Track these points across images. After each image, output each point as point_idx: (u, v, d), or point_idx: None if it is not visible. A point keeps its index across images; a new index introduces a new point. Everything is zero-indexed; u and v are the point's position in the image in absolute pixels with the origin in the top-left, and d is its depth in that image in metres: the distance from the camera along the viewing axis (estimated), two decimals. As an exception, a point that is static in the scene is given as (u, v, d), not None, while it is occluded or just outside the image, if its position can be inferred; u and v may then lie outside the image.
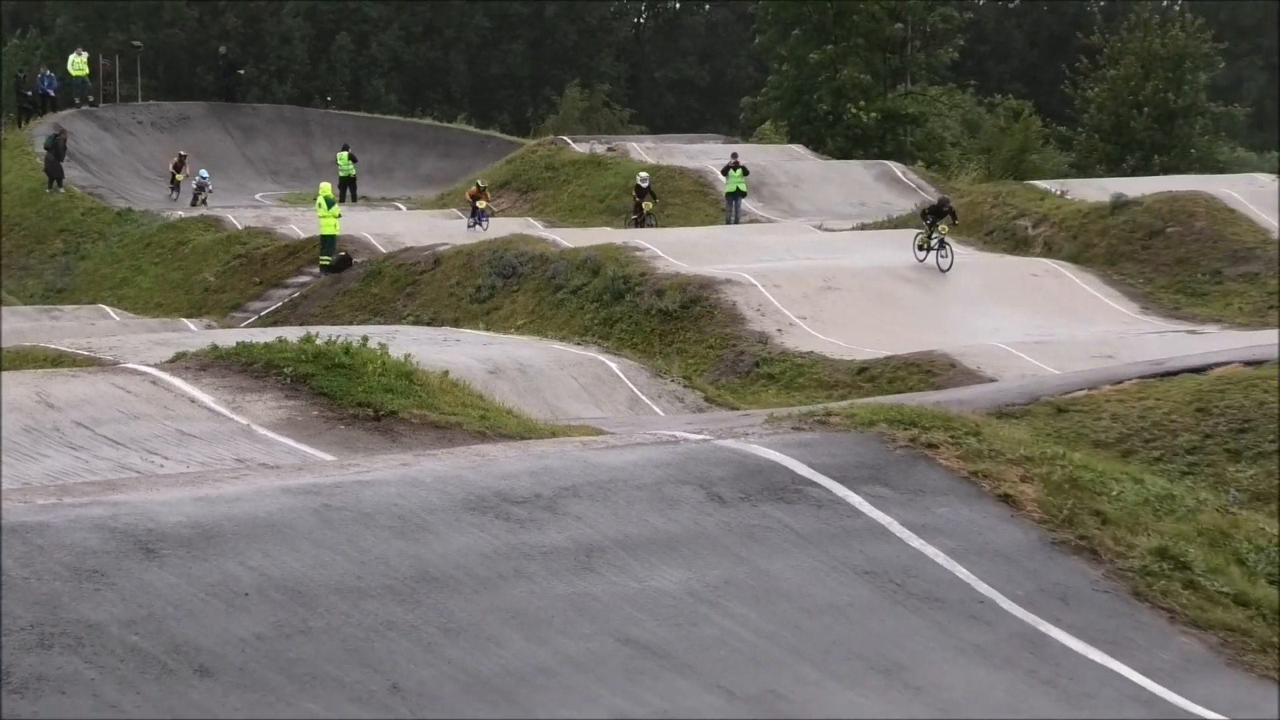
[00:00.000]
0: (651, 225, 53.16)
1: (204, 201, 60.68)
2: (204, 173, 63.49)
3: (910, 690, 10.06)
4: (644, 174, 55.63)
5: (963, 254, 45.90)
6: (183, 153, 64.42)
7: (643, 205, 54.02)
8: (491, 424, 16.99)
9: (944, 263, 41.64)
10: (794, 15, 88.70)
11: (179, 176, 62.57)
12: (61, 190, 59.75)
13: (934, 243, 42.34)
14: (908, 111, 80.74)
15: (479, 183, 57.17)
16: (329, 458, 15.24)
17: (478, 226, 53.87)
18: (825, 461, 12.62)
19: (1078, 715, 10.04)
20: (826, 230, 52.26)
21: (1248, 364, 17.64)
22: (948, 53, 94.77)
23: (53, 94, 70.36)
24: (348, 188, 62.15)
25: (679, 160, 63.80)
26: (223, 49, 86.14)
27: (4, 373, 21.44)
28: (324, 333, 20.25)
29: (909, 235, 49.33)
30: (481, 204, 54.74)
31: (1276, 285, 42.72)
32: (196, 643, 9.22)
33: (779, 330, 36.85)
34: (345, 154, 63.79)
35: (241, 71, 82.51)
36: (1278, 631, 11.18)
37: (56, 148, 60.73)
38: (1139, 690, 10.41)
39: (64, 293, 52.47)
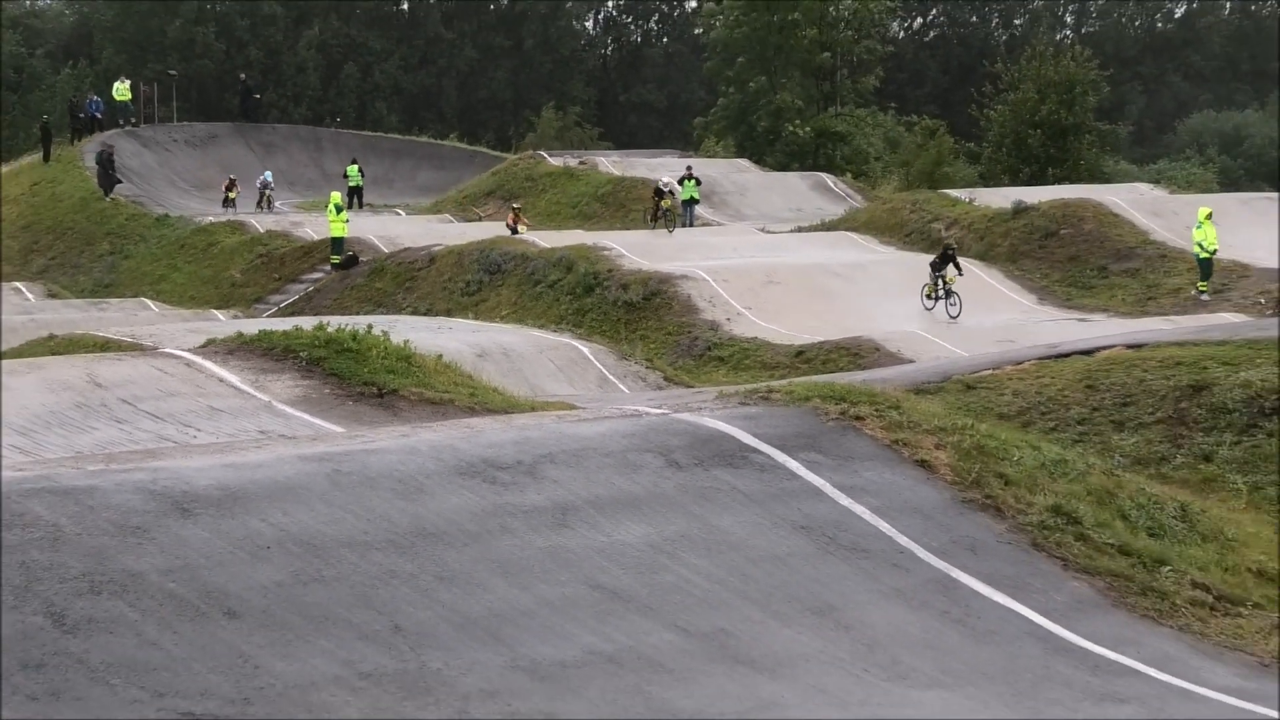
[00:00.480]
0: (673, 224, 51.72)
1: (269, 201, 60.34)
2: (268, 175, 63.27)
3: (840, 628, 10.05)
4: (667, 179, 54.93)
5: (885, 253, 46.00)
6: (232, 176, 64.17)
7: (662, 204, 52.12)
8: (479, 400, 16.96)
9: (953, 310, 37.79)
10: (739, 47, 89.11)
11: (231, 195, 62.28)
12: (115, 197, 59.64)
13: (941, 291, 38.77)
14: (837, 130, 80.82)
15: (515, 206, 56.37)
16: (339, 429, 15.19)
17: (674, 228, 51.50)
18: (767, 432, 12.61)
19: (983, 649, 10.05)
20: (768, 232, 52.25)
21: (1129, 347, 17.65)
22: (871, 79, 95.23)
23: (99, 116, 70.19)
24: (355, 196, 61.93)
25: (640, 172, 63.77)
26: (242, 75, 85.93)
27: (58, 356, 21.36)
28: (334, 322, 20.20)
29: (840, 237, 49.41)
30: (521, 228, 53.91)
31: (1154, 279, 42.92)
32: (225, 589, 9.19)
33: (727, 319, 36.85)
34: (355, 167, 63.57)
35: (258, 96, 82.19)
36: (1160, 578, 11.19)
37: (106, 162, 60.64)
38: (1036, 627, 10.42)
39: (110, 288, 52.32)
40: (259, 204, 60.96)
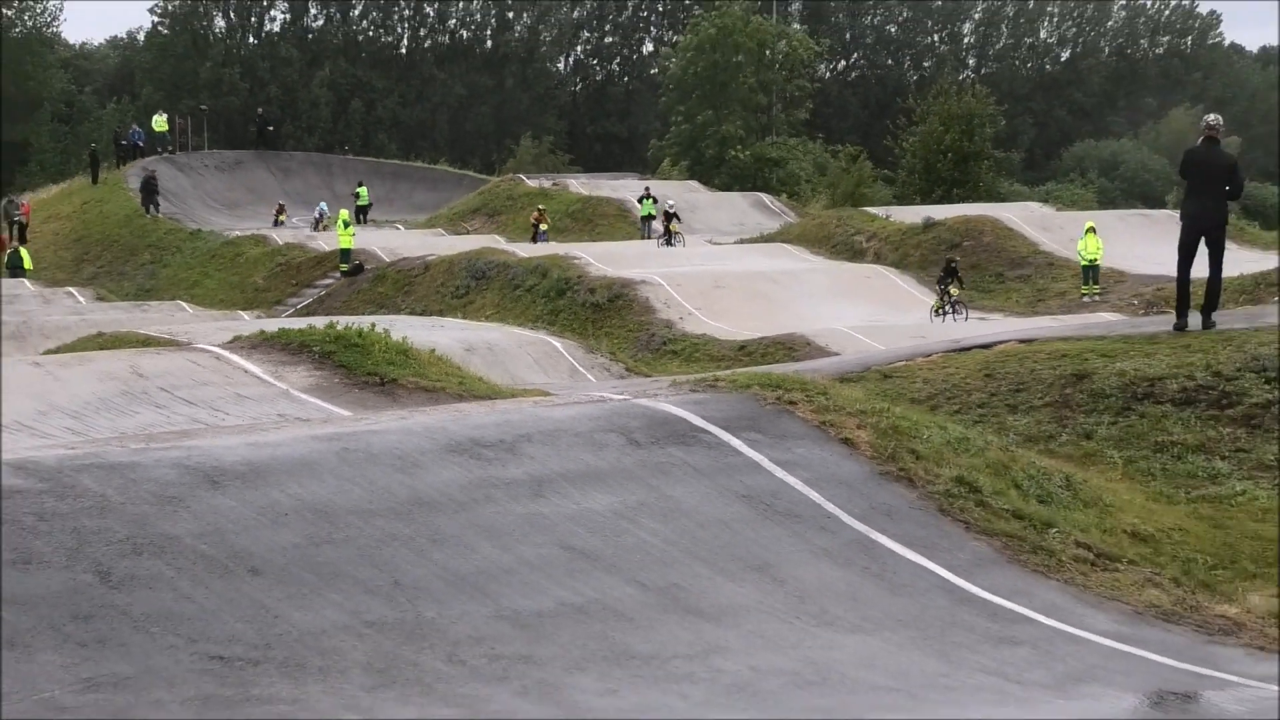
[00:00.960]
0: (674, 244, 51.24)
1: (324, 227, 59.18)
2: (324, 205, 62.67)
3: (776, 582, 10.06)
4: (671, 201, 54.33)
5: (815, 262, 46.11)
6: (281, 203, 64.04)
7: (669, 228, 52.04)
8: (467, 388, 16.93)
9: (959, 320, 36.74)
10: (690, 86, 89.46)
11: (281, 218, 62.07)
12: (158, 215, 59.53)
13: (948, 306, 38.09)
14: (773, 156, 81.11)
15: (540, 207, 55.77)
16: (347, 413, 15.15)
17: (672, 244, 51.40)
18: (714, 414, 12.62)
19: (898, 600, 10.08)
20: (715, 244, 52.37)
21: (1022, 342, 17.69)
22: (802, 113, 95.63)
23: (141, 144, 70.09)
24: (363, 213, 61.89)
25: (605, 193, 63.89)
26: (260, 110, 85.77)
27: (106, 350, 21.28)
28: (343, 321, 20.11)
29: (776, 248, 49.47)
30: (544, 226, 53.34)
31: (1043, 284, 43.09)
32: (249, 550, 9.17)
33: (680, 318, 36.92)
34: (364, 189, 63.54)
35: (271, 128, 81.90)
36: (1048, 538, 11.24)
37: (148, 184, 60.55)
38: (943, 581, 10.44)
39: (150, 292, 52.17)
40: (314, 228, 60.05)
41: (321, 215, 60.97)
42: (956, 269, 39.46)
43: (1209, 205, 17.06)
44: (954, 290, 38.37)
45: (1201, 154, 17.07)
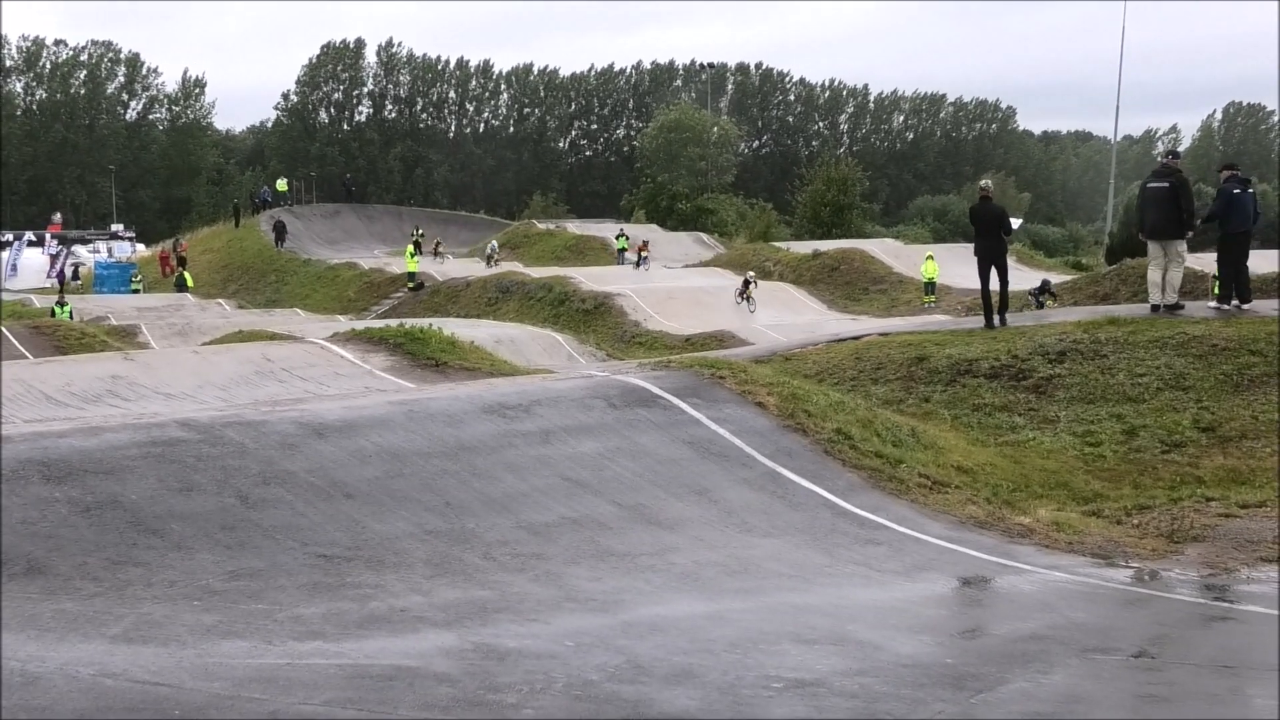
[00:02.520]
0: (641, 267, 49.08)
1: (496, 261, 51.94)
2: (495, 243, 55.40)
3: (711, 502, 10.05)
4: (645, 238, 51.89)
5: (737, 280, 46.00)
6: (439, 239, 59.88)
7: (641, 250, 49.84)
8: (496, 369, 16.87)
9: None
10: (654, 158, 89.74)
11: (439, 250, 57.03)
12: (283, 248, 59.21)
13: (1039, 300, 32.34)
14: (709, 207, 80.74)
15: (645, 240, 52.90)
16: (412, 385, 15.07)
17: (641, 268, 48.66)
18: (668, 386, 12.60)
19: (796, 514, 10.08)
20: (668, 268, 52.24)
21: (881, 335, 17.69)
22: (728, 177, 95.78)
23: (269, 200, 69.68)
24: (418, 247, 61.07)
25: (592, 232, 63.78)
26: (348, 175, 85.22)
27: (244, 343, 21.10)
28: (409, 322, 20.04)
29: (710, 270, 49.35)
30: (644, 253, 50.24)
31: (895, 296, 43.18)
32: (344, 481, 9.12)
33: (644, 320, 36.86)
34: (421, 231, 62.78)
35: (354, 188, 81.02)
36: (900, 471, 11.26)
37: (279, 228, 60.25)
38: (827, 501, 10.45)
39: (275, 303, 51.80)
40: (487, 264, 51.85)
41: (494, 251, 54.21)
42: (1050, 288, 34.25)
43: (991, 243, 17.28)
44: (1050, 302, 31.71)
45: (980, 209, 17.41)
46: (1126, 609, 8.21)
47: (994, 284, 17.28)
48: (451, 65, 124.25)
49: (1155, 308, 16.46)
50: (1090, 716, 5.66)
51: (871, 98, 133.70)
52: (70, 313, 38.71)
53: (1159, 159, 17.82)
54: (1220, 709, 5.91)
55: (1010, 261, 18.39)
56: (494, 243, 57.46)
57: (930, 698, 5.80)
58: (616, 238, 57.65)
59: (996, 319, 17.18)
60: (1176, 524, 10.31)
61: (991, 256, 17.23)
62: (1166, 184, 16.37)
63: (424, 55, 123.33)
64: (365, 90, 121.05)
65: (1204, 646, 7.19)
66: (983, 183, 18.35)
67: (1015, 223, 46.07)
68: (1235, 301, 16.55)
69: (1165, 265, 16.49)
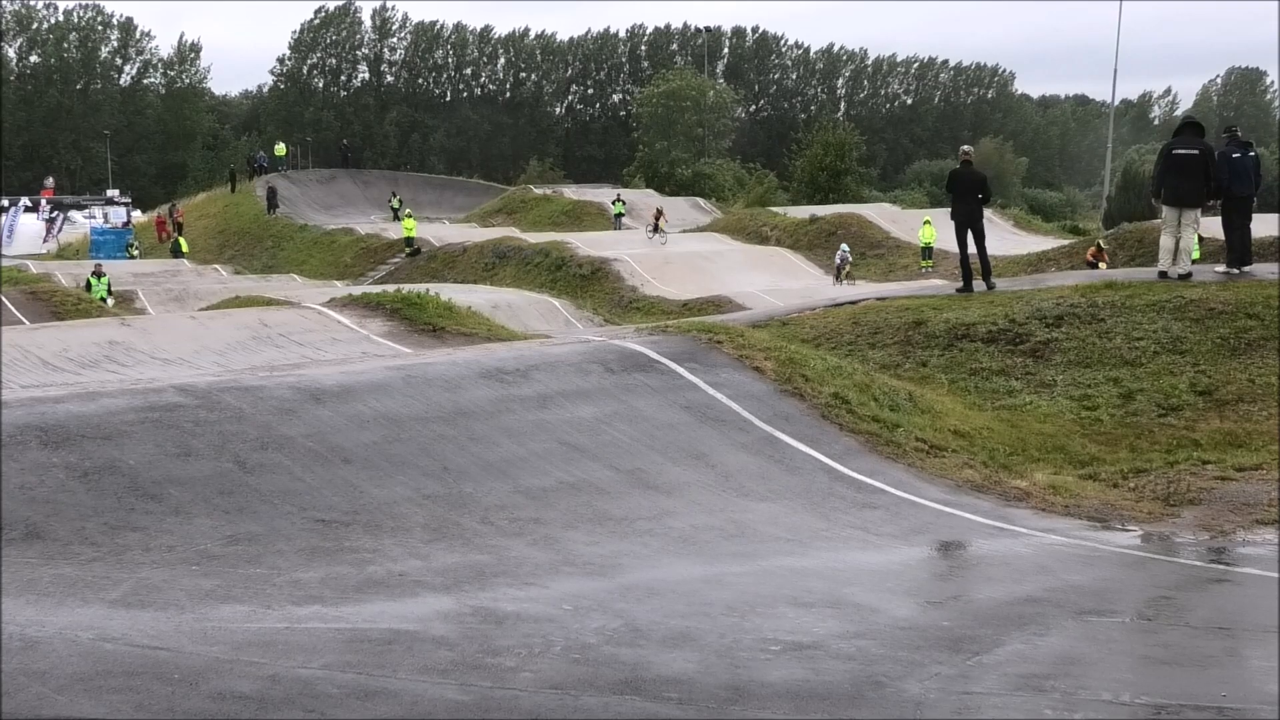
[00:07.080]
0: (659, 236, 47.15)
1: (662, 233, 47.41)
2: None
3: (709, 466, 10.05)
4: (658, 206, 50.40)
5: (734, 245, 45.98)
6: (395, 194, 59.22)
7: (658, 225, 48.33)
8: (493, 333, 16.83)
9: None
10: (651, 122, 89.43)
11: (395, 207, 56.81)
12: (277, 214, 58.94)
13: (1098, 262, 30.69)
14: (706, 172, 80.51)
15: (659, 209, 51.35)
16: (409, 351, 15.04)
17: (656, 237, 46.64)
18: (665, 350, 12.58)
19: (793, 478, 10.08)
20: (663, 233, 52.14)
21: (878, 299, 17.67)
22: (726, 142, 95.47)
23: (265, 165, 69.35)
24: (395, 213, 60.04)
25: (589, 197, 63.63)
26: (344, 141, 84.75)
27: (241, 308, 21.04)
28: (406, 288, 19.98)
29: (707, 236, 49.31)
30: (661, 223, 48.39)
31: (892, 260, 43.14)
32: (342, 446, 9.11)
33: (642, 284, 36.84)
34: (398, 198, 61.50)
35: (351, 154, 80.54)
36: (896, 435, 11.26)
37: (271, 194, 59.95)
38: (824, 465, 10.45)
39: (272, 268, 51.65)
40: (651, 230, 47.90)
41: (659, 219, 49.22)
42: (1104, 249, 32.78)
43: (970, 207, 17.28)
44: (1103, 265, 30.09)
45: (961, 173, 17.46)
46: (1123, 571, 8.23)
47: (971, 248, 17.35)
48: (449, 29, 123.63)
49: (1163, 274, 16.34)
50: (1087, 678, 5.67)
51: (869, 62, 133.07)
52: (108, 285, 35.82)
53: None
54: (1217, 670, 5.92)
55: (1008, 226, 18.37)
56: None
57: (927, 660, 5.81)
58: (614, 203, 57.54)
59: (982, 283, 17.26)
60: (1173, 487, 10.32)
61: (969, 220, 17.29)
62: (1197, 151, 16.10)
63: (419, 22, 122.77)
64: (360, 54, 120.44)
65: (1201, 609, 7.20)
66: (964, 147, 18.47)
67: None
68: (1226, 265, 16.50)
69: (1179, 233, 16.29)
